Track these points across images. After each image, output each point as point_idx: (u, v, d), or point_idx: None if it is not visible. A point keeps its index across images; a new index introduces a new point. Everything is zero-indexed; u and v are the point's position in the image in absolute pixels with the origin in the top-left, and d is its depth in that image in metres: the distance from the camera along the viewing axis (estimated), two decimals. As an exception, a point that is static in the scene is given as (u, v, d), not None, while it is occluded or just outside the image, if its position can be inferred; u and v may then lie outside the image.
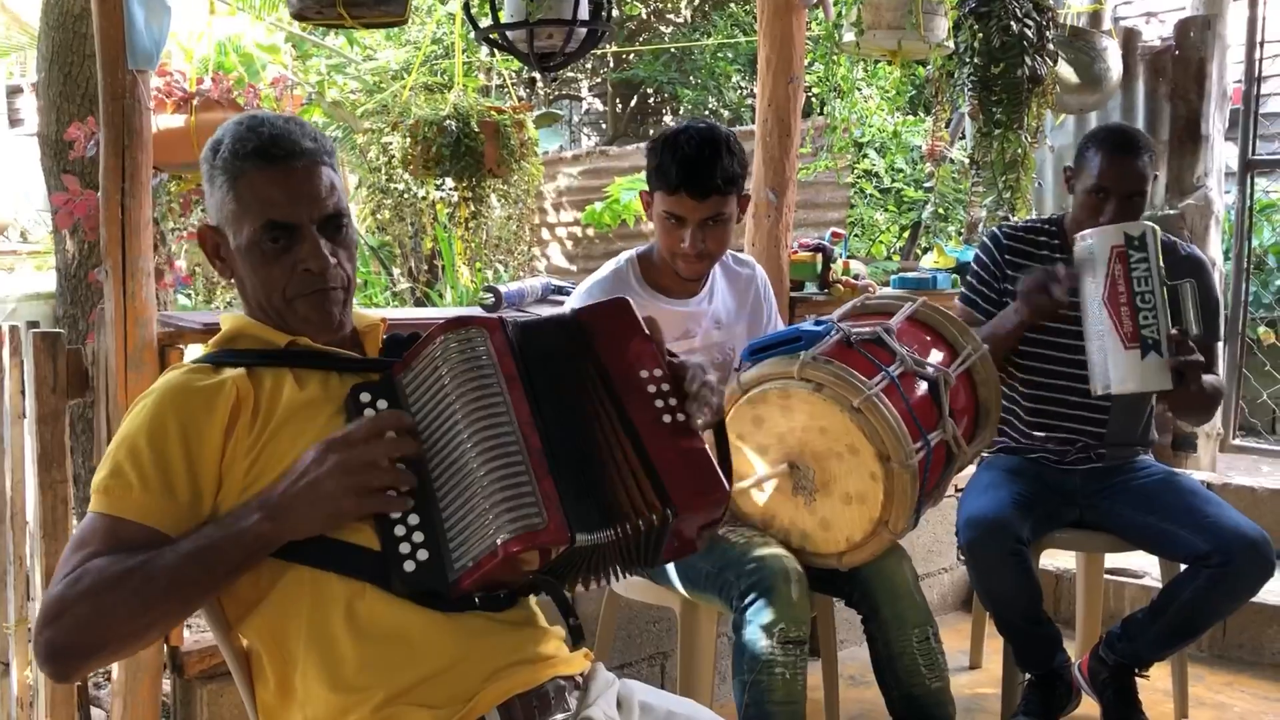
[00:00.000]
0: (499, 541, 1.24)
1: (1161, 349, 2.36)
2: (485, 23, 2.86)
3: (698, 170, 2.22)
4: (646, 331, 1.45)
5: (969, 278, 2.83)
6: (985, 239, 2.83)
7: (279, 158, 1.42)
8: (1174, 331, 2.38)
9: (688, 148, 2.24)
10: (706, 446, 1.40)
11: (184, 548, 1.27)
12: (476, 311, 2.94)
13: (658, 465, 1.35)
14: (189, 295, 4.72)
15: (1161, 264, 2.40)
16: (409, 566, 1.31)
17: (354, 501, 1.29)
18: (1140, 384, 2.38)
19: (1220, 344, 2.77)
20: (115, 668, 2.21)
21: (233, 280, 1.51)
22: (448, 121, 3.28)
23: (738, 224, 2.50)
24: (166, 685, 2.34)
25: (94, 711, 2.53)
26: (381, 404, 1.38)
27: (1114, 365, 2.39)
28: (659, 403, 1.39)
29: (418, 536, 1.31)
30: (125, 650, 1.33)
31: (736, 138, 2.32)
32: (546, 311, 2.94)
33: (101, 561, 1.26)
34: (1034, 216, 3.25)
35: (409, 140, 3.32)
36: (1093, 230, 2.45)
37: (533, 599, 1.47)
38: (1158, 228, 2.45)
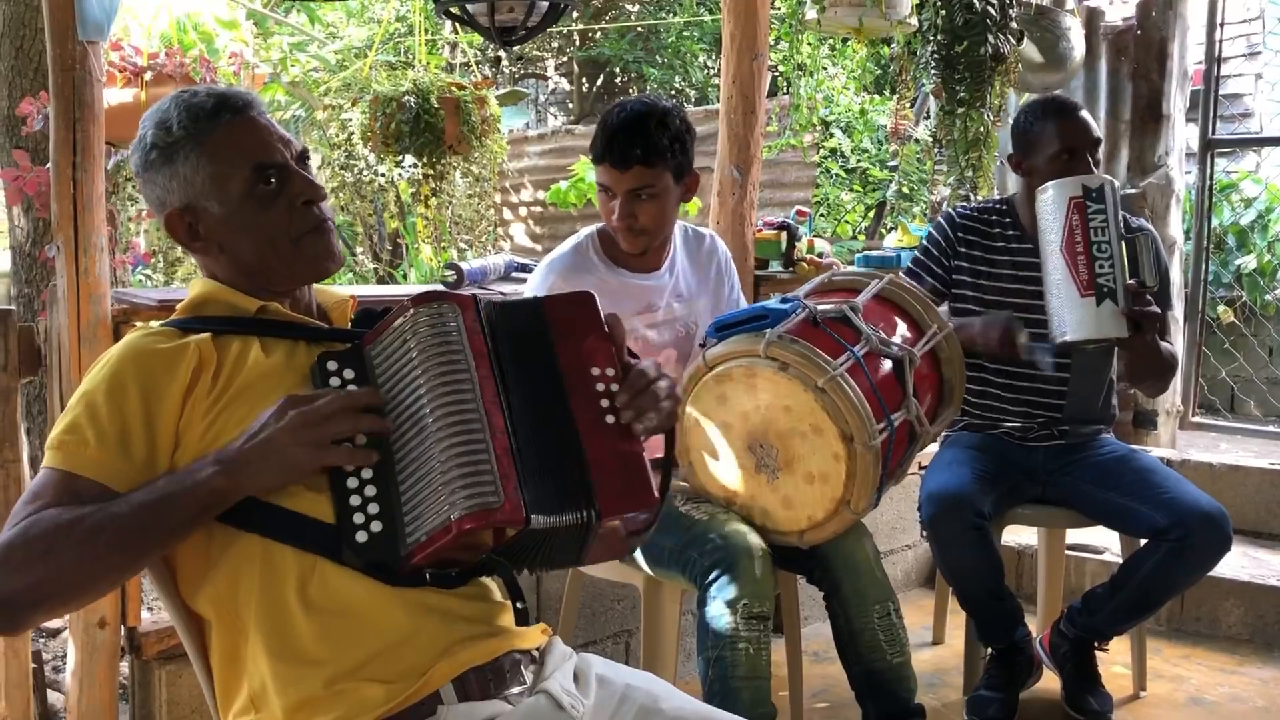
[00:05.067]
0: (453, 517, 1.23)
1: (1117, 298, 2.38)
2: (447, -3, 2.83)
3: (618, 141, 2.26)
4: (606, 329, 1.42)
5: (918, 253, 2.86)
6: (940, 218, 2.86)
7: (240, 109, 1.44)
8: (1131, 282, 2.40)
9: (616, 118, 2.27)
10: (644, 452, 1.37)
11: (136, 498, 1.26)
12: (439, 289, 2.91)
13: (590, 464, 1.32)
14: (148, 275, 4.65)
15: (1120, 217, 2.42)
16: (361, 537, 1.29)
17: (311, 453, 1.27)
18: (1096, 330, 2.40)
19: (1174, 315, 2.80)
20: (72, 649, 2.18)
21: (220, 255, 1.46)
22: (407, 97, 3.24)
23: (685, 203, 2.49)
24: (124, 667, 2.31)
25: (51, 694, 2.50)
26: (348, 373, 1.37)
27: (1070, 313, 2.41)
28: (604, 402, 1.37)
29: (373, 508, 1.30)
30: (74, 601, 1.32)
31: (681, 115, 2.32)
32: (509, 289, 2.91)
33: (53, 512, 1.25)
34: (994, 196, 3.27)
35: (368, 116, 3.29)
36: (1052, 183, 2.47)
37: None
38: (1116, 181, 2.48)
